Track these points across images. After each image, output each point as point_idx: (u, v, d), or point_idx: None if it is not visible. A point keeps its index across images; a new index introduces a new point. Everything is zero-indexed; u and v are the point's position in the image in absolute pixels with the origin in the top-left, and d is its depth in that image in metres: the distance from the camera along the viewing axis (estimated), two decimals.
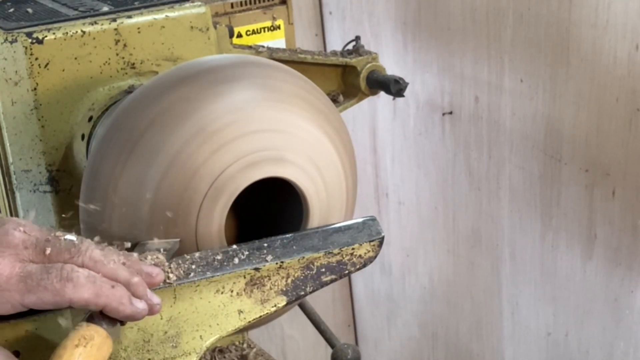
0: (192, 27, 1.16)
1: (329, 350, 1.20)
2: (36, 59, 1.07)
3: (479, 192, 2.04)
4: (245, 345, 1.39)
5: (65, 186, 1.13)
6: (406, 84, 1.39)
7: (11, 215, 1.15)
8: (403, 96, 1.40)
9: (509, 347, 2.09)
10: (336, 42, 2.27)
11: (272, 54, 1.33)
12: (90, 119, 1.11)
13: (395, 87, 1.39)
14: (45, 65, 1.07)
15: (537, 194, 1.88)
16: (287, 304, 0.92)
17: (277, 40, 1.45)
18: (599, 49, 1.63)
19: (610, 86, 1.63)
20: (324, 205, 0.97)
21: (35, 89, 1.08)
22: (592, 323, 1.83)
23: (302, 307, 1.27)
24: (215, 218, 0.91)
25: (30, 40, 1.06)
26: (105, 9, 1.18)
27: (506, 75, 1.85)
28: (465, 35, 1.92)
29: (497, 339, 2.12)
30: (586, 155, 1.73)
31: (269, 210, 1.05)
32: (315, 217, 0.97)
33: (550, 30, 1.72)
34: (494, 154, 1.96)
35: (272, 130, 0.93)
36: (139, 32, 1.13)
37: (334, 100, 1.42)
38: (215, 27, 1.21)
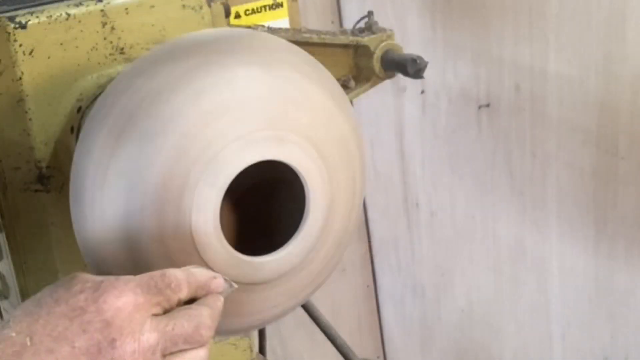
0: (184, 6, 1.12)
1: None
2: (20, 45, 1.03)
3: (522, 197, 2.01)
4: None
5: (56, 184, 1.09)
6: (425, 63, 1.36)
7: (2, 218, 1.10)
8: (422, 77, 1.36)
9: None
10: None
11: (272, 34, 1.31)
12: (79, 109, 1.07)
13: (413, 68, 1.35)
14: (30, 52, 1.04)
15: (589, 196, 1.85)
16: None
17: (280, 20, 1.42)
18: None
19: None
20: (328, 199, 0.94)
21: (20, 78, 1.04)
22: None
23: (317, 322, 1.29)
24: (211, 202, 0.88)
25: (13, 25, 1.03)
26: None
27: (551, 57, 1.82)
28: (504, 12, 1.90)
29: None
30: None
31: (268, 208, 1.03)
32: (319, 213, 0.94)
33: (602, 1, 1.68)
34: (538, 152, 1.93)
35: (275, 111, 0.90)
36: (126, 13, 1.10)
37: (345, 86, 1.39)
38: (209, 6, 1.17)
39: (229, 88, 0.89)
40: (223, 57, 0.91)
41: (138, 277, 0.80)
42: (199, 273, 0.84)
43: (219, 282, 0.86)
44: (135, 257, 0.89)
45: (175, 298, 0.81)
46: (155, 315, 0.79)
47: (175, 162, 0.87)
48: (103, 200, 0.89)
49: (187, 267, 0.86)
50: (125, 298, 0.77)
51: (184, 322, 0.80)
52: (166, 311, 0.81)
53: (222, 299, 0.85)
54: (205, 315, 0.81)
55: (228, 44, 0.94)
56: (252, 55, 0.92)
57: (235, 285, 0.88)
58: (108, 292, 0.78)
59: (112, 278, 0.79)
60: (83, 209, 0.91)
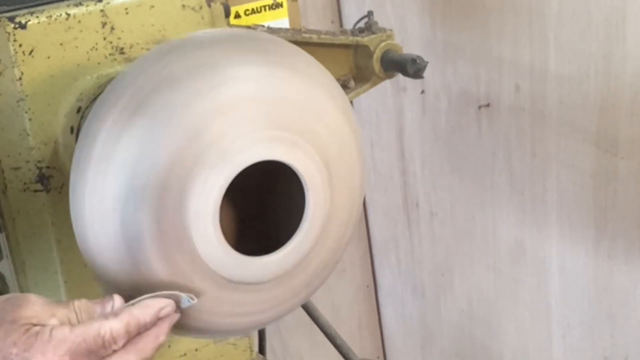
0: (183, 6, 1.13)
1: None
2: (20, 45, 1.04)
3: (522, 197, 1.99)
4: None
5: (56, 184, 1.10)
6: (425, 63, 1.36)
7: (2, 218, 1.12)
8: (422, 77, 1.37)
9: None
10: None
11: (272, 34, 1.30)
12: (78, 110, 1.08)
13: (412, 68, 1.36)
14: (30, 52, 1.05)
15: (589, 196, 1.83)
16: None
17: (280, 20, 1.43)
18: None
19: None
20: (328, 200, 0.95)
21: (20, 78, 1.05)
22: None
23: (317, 322, 1.30)
24: (213, 192, 0.88)
25: (13, 25, 1.04)
26: None
27: (551, 56, 1.79)
28: (503, 11, 1.86)
29: None
30: None
31: (268, 208, 1.05)
32: (319, 214, 0.94)
33: (602, 1, 1.65)
34: (538, 151, 1.91)
35: (280, 112, 0.91)
36: (126, 13, 1.11)
37: (345, 86, 1.40)
38: (209, 6, 1.17)
39: (243, 85, 0.90)
40: (241, 54, 0.92)
41: (72, 336, 0.80)
42: (143, 315, 0.85)
43: (166, 312, 0.86)
44: (131, 243, 0.88)
45: (109, 351, 0.81)
46: None
47: (184, 146, 0.87)
48: (105, 181, 0.88)
49: (135, 302, 0.86)
50: None
51: None
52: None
53: (162, 333, 0.85)
54: None
55: (243, 42, 0.95)
56: (266, 55, 0.93)
57: (195, 300, 0.88)
58: (36, 357, 0.78)
59: (46, 334, 0.79)
60: (83, 195, 0.90)
